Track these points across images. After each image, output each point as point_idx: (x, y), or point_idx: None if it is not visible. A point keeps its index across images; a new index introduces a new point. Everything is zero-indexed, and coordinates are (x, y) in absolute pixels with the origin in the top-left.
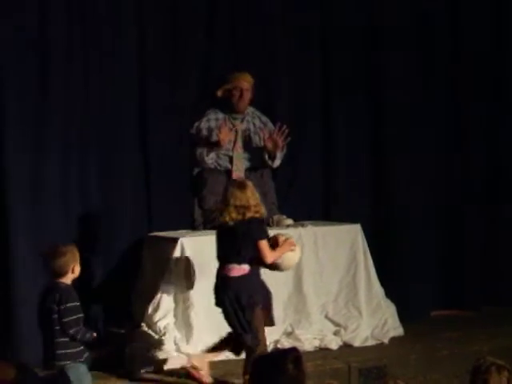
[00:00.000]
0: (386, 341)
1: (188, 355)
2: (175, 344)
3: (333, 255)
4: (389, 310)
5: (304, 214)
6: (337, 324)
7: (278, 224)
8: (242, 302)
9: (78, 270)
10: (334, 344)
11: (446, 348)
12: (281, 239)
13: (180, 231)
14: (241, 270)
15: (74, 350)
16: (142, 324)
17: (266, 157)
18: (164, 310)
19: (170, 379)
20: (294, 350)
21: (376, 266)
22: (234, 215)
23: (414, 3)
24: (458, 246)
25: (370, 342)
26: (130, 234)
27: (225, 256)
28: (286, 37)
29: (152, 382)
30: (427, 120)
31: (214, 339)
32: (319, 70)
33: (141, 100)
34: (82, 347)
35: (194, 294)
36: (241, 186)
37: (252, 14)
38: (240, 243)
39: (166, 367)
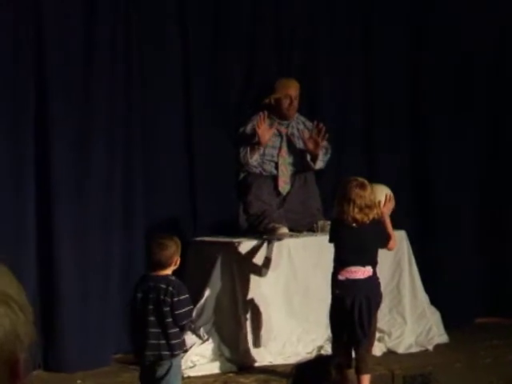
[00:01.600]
0: (430, 348)
1: None
2: (219, 349)
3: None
4: (433, 317)
5: None
6: (381, 330)
7: (323, 230)
8: (371, 306)
9: (179, 261)
10: (377, 350)
11: (490, 356)
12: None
13: (224, 236)
14: (366, 271)
15: (182, 340)
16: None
17: (309, 158)
18: (208, 315)
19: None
20: (337, 355)
21: (420, 273)
22: (358, 216)
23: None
24: (504, 251)
25: (415, 349)
26: None
27: (347, 258)
28: (329, 38)
29: None
30: (468, 122)
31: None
32: (362, 72)
33: (185, 103)
34: (183, 337)
35: (240, 299)
36: (363, 185)
37: (294, 15)
38: (367, 246)
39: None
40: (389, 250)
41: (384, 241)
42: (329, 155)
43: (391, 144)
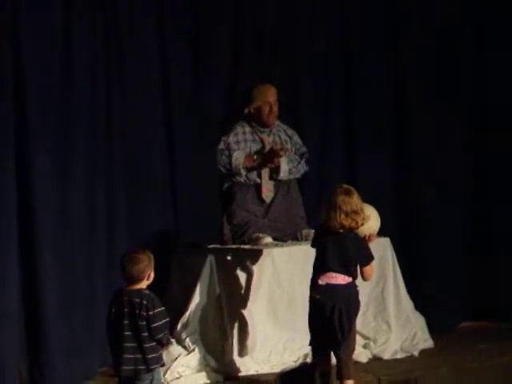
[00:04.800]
0: (415, 353)
1: None
2: (205, 359)
3: None
4: (418, 323)
5: None
6: (366, 337)
7: (307, 238)
8: (350, 311)
9: (152, 276)
10: (363, 357)
11: (476, 360)
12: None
13: (209, 246)
14: (345, 278)
15: (159, 354)
16: (172, 339)
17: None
18: (194, 325)
19: None
20: (322, 363)
21: (404, 279)
22: (345, 222)
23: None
24: (489, 256)
25: (400, 355)
26: (158, 249)
27: (329, 264)
28: (311, 50)
29: None
30: (452, 133)
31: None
32: (343, 83)
33: (166, 115)
34: (161, 351)
35: (225, 309)
36: (348, 191)
37: (275, 28)
38: (347, 257)
39: None
40: (364, 277)
41: (363, 260)
42: (302, 165)
43: (374, 153)
